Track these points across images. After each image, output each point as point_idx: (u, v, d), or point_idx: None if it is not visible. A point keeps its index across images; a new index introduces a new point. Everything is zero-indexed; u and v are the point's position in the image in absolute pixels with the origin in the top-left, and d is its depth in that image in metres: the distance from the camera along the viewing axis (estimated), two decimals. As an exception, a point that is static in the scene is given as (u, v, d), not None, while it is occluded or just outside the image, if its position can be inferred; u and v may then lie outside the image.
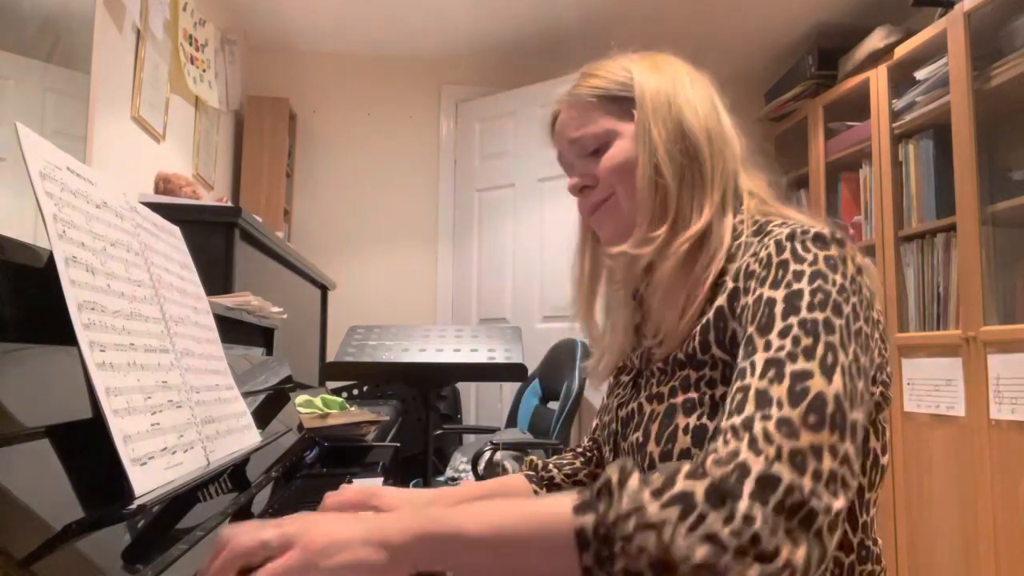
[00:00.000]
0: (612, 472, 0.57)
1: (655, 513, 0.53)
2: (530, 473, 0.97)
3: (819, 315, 0.63)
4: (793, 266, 0.67)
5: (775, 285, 0.66)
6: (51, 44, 1.72)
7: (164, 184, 2.18)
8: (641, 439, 0.77)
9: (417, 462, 2.10)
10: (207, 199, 2.66)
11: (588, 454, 0.99)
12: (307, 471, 1.26)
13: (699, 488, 0.54)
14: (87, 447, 0.62)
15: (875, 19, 2.80)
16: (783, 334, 0.63)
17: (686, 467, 0.56)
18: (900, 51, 2.60)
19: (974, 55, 2.23)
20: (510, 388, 3.23)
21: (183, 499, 0.72)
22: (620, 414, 0.84)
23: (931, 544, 2.36)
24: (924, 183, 2.51)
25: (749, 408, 0.59)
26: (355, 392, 2.82)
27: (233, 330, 1.32)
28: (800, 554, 0.52)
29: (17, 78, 1.59)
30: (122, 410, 0.65)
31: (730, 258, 0.76)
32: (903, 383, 2.49)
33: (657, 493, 0.54)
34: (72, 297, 0.64)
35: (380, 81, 3.60)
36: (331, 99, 3.56)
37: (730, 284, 0.73)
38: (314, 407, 1.53)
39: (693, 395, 0.74)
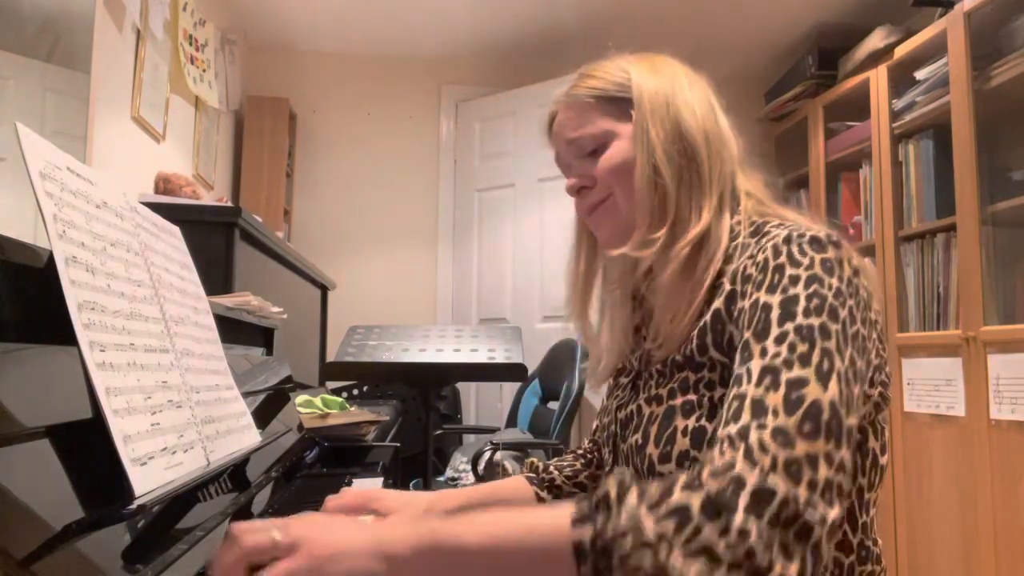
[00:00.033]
0: (610, 485, 0.57)
1: (652, 529, 0.53)
2: (531, 475, 0.97)
3: (815, 320, 0.63)
4: (789, 270, 0.67)
5: (771, 290, 0.67)
6: (51, 44, 1.72)
7: (164, 184, 2.18)
8: (640, 441, 0.77)
9: (417, 462, 2.10)
10: (207, 199, 2.66)
11: (589, 456, 0.99)
12: (307, 471, 1.26)
13: (695, 500, 0.54)
14: (87, 447, 0.62)
15: (875, 19, 2.80)
16: (779, 340, 0.63)
17: (683, 478, 0.56)
18: (900, 51, 2.60)
19: (974, 55, 2.23)
20: (510, 388, 3.23)
21: (183, 499, 0.72)
22: (619, 416, 0.85)
23: (931, 544, 2.36)
24: (924, 183, 2.51)
25: (745, 417, 0.60)
26: (355, 392, 2.82)
27: (233, 330, 1.32)
28: (793, 569, 0.53)
29: (17, 78, 1.59)
30: (122, 410, 0.65)
31: (727, 259, 0.76)
32: (903, 383, 2.49)
33: (654, 507, 0.55)
34: (72, 297, 0.64)
35: (380, 81, 3.60)
36: (331, 99, 3.56)
37: (727, 287, 0.73)
38: (314, 407, 1.53)
39: (692, 397, 0.74)
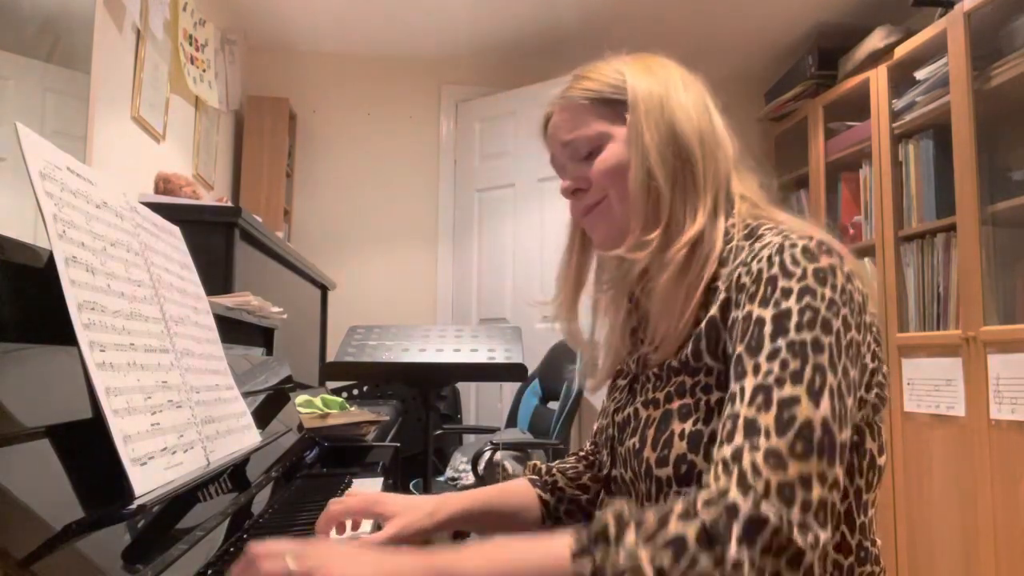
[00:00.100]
0: (609, 519, 0.60)
1: (649, 564, 0.56)
2: (534, 478, 0.97)
3: (807, 335, 0.64)
4: (782, 282, 0.67)
5: (764, 303, 0.67)
6: (51, 44, 1.72)
7: (164, 184, 2.18)
8: (638, 444, 0.77)
9: (417, 462, 2.10)
10: (207, 199, 2.66)
11: (591, 457, 0.99)
12: (307, 471, 1.26)
13: (690, 531, 0.57)
14: (87, 447, 0.62)
15: (875, 19, 2.80)
16: (771, 357, 0.64)
17: (678, 507, 0.59)
18: (900, 51, 2.60)
19: (974, 55, 2.23)
20: (510, 388, 3.23)
21: (183, 499, 0.72)
22: (616, 419, 0.85)
23: (931, 544, 2.36)
24: (924, 183, 2.51)
25: (738, 438, 0.61)
26: (355, 392, 2.82)
27: (233, 330, 1.32)
28: None
29: (17, 78, 1.59)
30: (122, 410, 0.66)
31: (722, 262, 0.76)
32: (903, 383, 2.49)
33: (651, 538, 0.57)
34: (72, 297, 0.64)
35: (380, 81, 3.60)
36: (331, 99, 3.56)
37: (723, 294, 0.73)
38: (314, 407, 1.53)
39: (688, 401, 0.74)
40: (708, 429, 0.71)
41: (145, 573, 0.57)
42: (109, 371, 0.66)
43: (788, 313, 0.65)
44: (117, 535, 0.59)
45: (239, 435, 0.95)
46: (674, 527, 0.57)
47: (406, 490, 2.38)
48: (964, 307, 2.24)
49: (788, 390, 0.62)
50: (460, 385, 3.40)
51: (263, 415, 1.18)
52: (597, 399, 1.18)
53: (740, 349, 0.67)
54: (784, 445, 0.59)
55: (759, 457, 0.59)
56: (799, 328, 0.64)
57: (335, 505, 0.83)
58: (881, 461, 0.75)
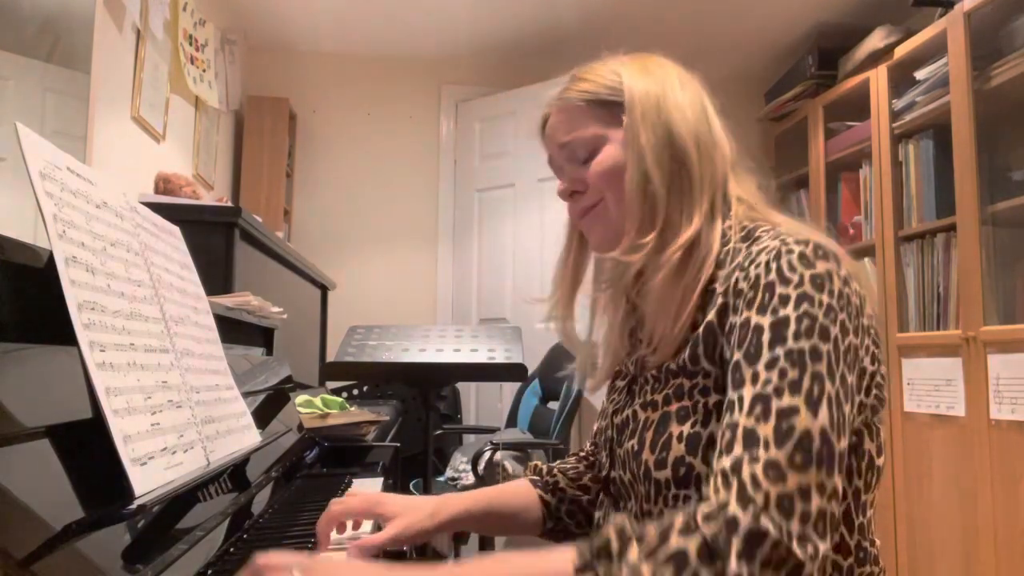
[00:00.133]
0: (611, 533, 0.60)
1: None
2: (535, 478, 0.97)
3: (805, 343, 0.64)
4: (779, 289, 0.67)
5: (762, 310, 0.67)
6: (51, 44, 1.72)
7: (164, 184, 2.18)
8: (636, 447, 0.77)
9: (417, 462, 2.10)
10: (207, 199, 2.66)
11: (591, 458, 0.99)
12: (307, 471, 1.26)
13: (691, 546, 0.57)
14: (87, 447, 0.62)
15: (875, 19, 2.80)
16: (770, 366, 0.64)
17: (679, 521, 0.59)
18: (900, 51, 2.60)
19: (974, 55, 2.23)
20: (510, 388, 3.23)
21: (183, 499, 0.72)
22: (615, 420, 0.85)
23: (931, 544, 2.36)
24: (924, 183, 2.51)
25: (737, 449, 0.62)
26: (355, 392, 2.82)
27: (233, 330, 1.32)
28: None
29: (17, 78, 1.59)
30: (122, 410, 0.66)
31: (719, 264, 0.76)
32: (903, 383, 2.49)
33: (652, 554, 0.58)
34: (72, 297, 0.64)
35: (380, 81, 3.60)
36: (331, 99, 3.56)
37: (720, 299, 0.73)
38: (314, 407, 1.53)
39: (687, 403, 0.74)
40: (706, 432, 0.71)
41: (145, 573, 0.57)
42: (109, 371, 0.66)
43: (786, 321, 0.65)
44: (117, 535, 0.59)
45: (239, 435, 0.95)
46: (675, 542, 0.58)
47: (406, 490, 2.38)
48: (964, 307, 2.24)
49: (787, 400, 0.62)
50: (460, 385, 3.40)
51: (263, 415, 1.18)
52: (597, 399, 1.17)
53: (738, 356, 0.67)
54: (783, 456, 0.60)
55: (758, 469, 0.60)
56: (797, 336, 0.64)
57: (336, 505, 0.83)
58: (880, 462, 0.75)
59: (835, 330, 0.65)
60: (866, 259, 2.73)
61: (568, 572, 0.59)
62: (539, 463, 1.01)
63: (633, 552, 0.58)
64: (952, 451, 2.27)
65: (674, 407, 0.75)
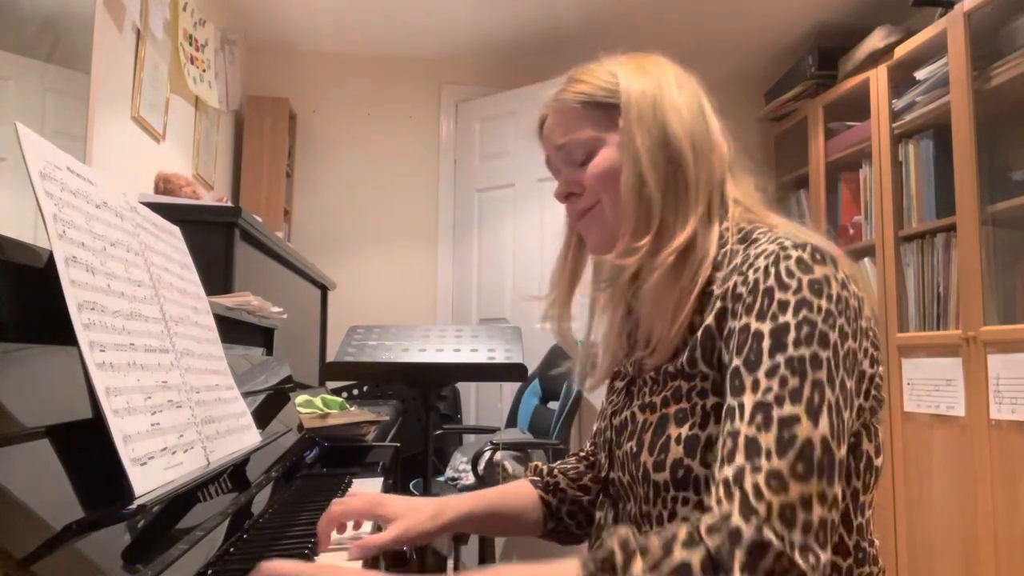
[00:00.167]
0: (615, 546, 0.61)
1: None
2: (535, 479, 0.97)
3: (806, 351, 0.64)
4: (778, 295, 0.67)
5: (761, 316, 0.67)
6: (51, 44, 1.72)
7: (164, 184, 2.18)
8: (635, 449, 0.77)
9: (417, 462, 2.10)
10: (207, 199, 2.66)
11: (591, 458, 0.99)
12: (307, 471, 1.26)
13: (695, 559, 0.58)
14: (87, 447, 0.62)
15: (875, 19, 2.80)
16: (770, 374, 0.64)
17: (682, 533, 0.60)
18: (900, 51, 2.60)
19: (974, 55, 2.23)
20: (510, 388, 3.23)
21: (183, 499, 0.72)
22: (614, 422, 0.85)
23: (931, 544, 2.36)
24: (924, 183, 2.51)
25: (739, 458, 0.62)
26: (355, 392, 2.82)
27: (233, 330, 1.32)
28: None
29: (17, 78, 1.59)
30: (122, 410, 0.65)
31: (716, 266, 0.76)
32: (903, 383, 2.49)
33: (656, 567, 0.59)
34: (72, 297, 0.64)
35: (380, 81, 3.60)
36: (331, 99, 3.56)
37: (718, 302, 0.73)
38: (314, 407, 1.53)
39: (685, 405, 0.74)
40: (704, 434, 0.71)
41: (145, 573, 0.57)
42: (109, 371, 0.66)
43: (786, 328, 0.65)
44: (117, 535, 0.59)
45: (239, 435, 0.95)
46: (679, 555, 0.58)
47: (406, 490, 2.38)
48: (964, 307, 2.24)
49: (788, 409, 0.62)
50: (460, 385, 3.40)
51: (263, 415, 1.18)
52: (597, 399, 1.17)
53: (738, 362, 0.67)
54: (785, 466, 0.60)
55: (761, 479, 0.60)
56: (797, 344, 0.65)
57: (337, 506, 0.83)
58: (878, 462, 0.75)
59: (834, 336, 0.66)
60: (866, 259, 2.73)
61: None
62: (539, 464, 1.01)
63: (637, 565, 0.59)
64: (952, 451, 2.27)
65: (672, 409, 0.75)
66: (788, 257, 0.68)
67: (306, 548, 0.78)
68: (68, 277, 0.64)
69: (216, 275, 1.59)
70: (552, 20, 3.19)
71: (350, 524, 0.89)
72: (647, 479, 0.74)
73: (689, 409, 0.73)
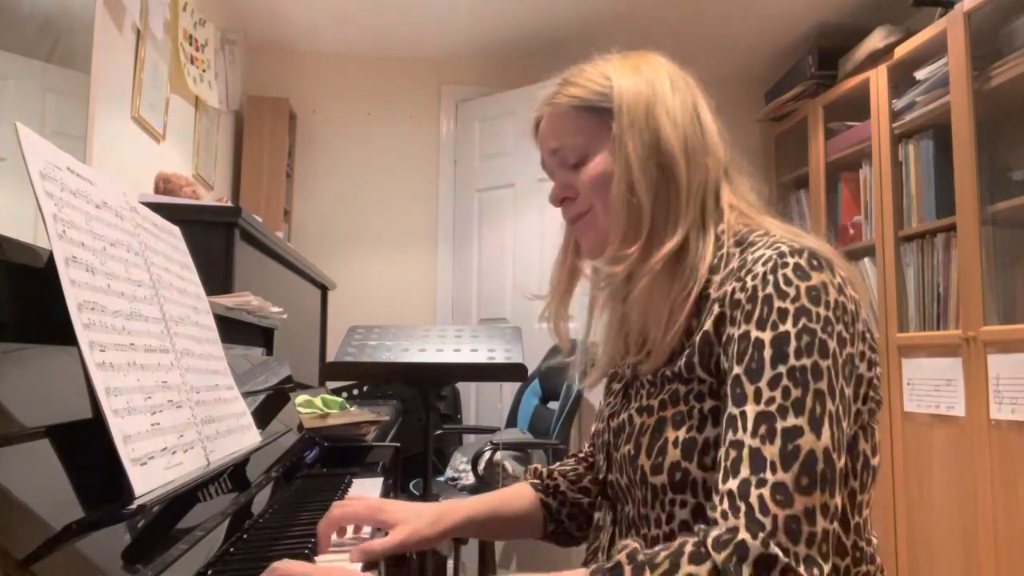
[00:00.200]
0: (623, 559, 0.62)
1: None
2: (535, 482, 0.97)
3: (807, 361, 0.65)
4: (777, 303, 0.67)
5: (761, 325, 0.67)
6: (51, 44, 1.72)
7: (164, 184, 2.18)
8: (632, 451, 0.77)
9: (417, 462, 2.10)
10: (207, 199, 2.66)
11: (591, 459, 0.99)
12: (307, 471, 1.26)
13: (703, 572, 0.59)
14: (87, 447, 0.62)
15: (875, 19, 2.80)
16: (773, 384, 0.64)
17: (689, 547, 0.61)
18: (900, 51, 2.60)
19: (974, 55, 2.23)
20: (510, 388, 3.23)
21: (183, 499, 0.72)
22: (611, 424, 0.85)
23: (931, 544, 2.36)
24: (924, 183, 2.51)
25: (744, 470, 0.62)
26: (355, 392, 2.82)
27: (233, 330, 1.32)
28: None
29: (17, 78, 1.59)
30: (122, 410, 0.65)
31: (712, 269, 0.75)
32: (903, 383, 2.49)
33: None
34: (72, 297, 0.64)
35: (380, 81, 3.60)
36: (331, 99, 3.56)
37: (716, 308, 0.72)
38: (314, 407, 1.53)
39: (682, 408, 0.74)
40: (702, 437, 0.71)
41: (145, 573, 0.57)
42: (109, 371, 0.66)
43: (787, 337, 0.65)
44: (117, 535, 0.59)
45: (239, 435, 0.95)
46: (686, 569, 0.59)
47: (406, 490, 2.38)
48: (964, 307, 2.24)
49: (791, 420, 0.63)
50: (460, 385, 3.40)
51: (263, 415, 1.18)
52: (597, 399, 1.17)
53: (739, 371, 0.67)
54: (790, 479, 0.61)
55: (766, 492, 0.60)
56: (798, 354, 0.65)
57: (338, 509, 0.83)
58: (875, 462, 0.75)
59: (833, 344, 0.66)
60: (866, 259, 2.73)
61: None
62: (539, 466, 1.01)
63: None
64: (952, 451, 2.27)
65: (670, 412, 0.75)
66: (786, 264, 0.68)
67: (306, 548, 0.78)
68: (68, 277, 0.64)
69: (216, 275, 1.59)
70: (552, 20, 3.19)
71: (350, 527, 0.89)
72: (645, 482, 0.74)
73: (686, 412, 0.73)
